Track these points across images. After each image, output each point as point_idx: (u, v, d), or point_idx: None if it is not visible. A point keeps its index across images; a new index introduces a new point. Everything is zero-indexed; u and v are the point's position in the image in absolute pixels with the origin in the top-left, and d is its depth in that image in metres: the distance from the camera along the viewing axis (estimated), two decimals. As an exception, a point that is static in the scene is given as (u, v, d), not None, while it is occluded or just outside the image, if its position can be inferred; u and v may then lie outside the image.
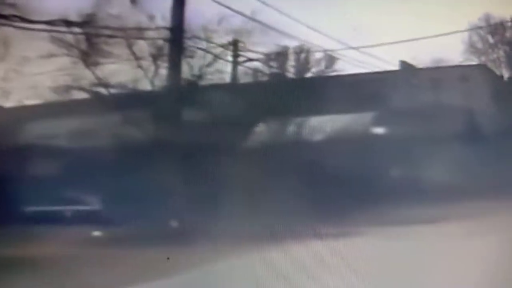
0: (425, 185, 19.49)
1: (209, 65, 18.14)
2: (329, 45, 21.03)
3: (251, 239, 13.49)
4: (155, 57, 17.82)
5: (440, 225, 14.78)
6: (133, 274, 10.73)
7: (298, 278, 9.70)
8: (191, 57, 17.74)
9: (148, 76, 17.83)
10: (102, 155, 17.38)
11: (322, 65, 30.40)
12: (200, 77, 18.06)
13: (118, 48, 17.50)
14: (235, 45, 19.86)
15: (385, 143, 21.69)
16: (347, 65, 29.13)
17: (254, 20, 18.40)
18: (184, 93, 17.94)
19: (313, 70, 30.68)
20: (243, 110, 19.43)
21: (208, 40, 17.85)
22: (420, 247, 11.56)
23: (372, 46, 21.31)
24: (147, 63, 17.80)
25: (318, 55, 26.39)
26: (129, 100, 17.97)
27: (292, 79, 25.47)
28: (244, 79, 20.44)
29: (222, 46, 18.86)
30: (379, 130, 23.44)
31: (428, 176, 20.20)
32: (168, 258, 11.56)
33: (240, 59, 20.18)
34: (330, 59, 30.19)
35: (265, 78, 22.07)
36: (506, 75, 30.35)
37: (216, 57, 18.32)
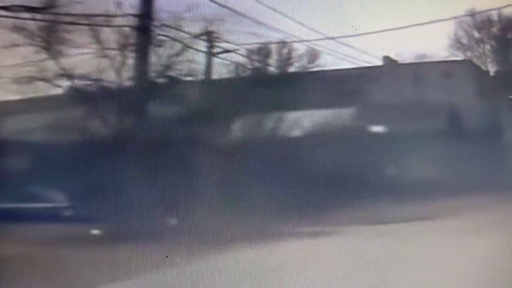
0: (407, 182, 18.89)
1: (180, 55, 17.08)
2: (311, 36, 19.88)
3: (224, 238, 13.42)
4: (122, 47, 16.81)
5: (422, 223, 14.29)
6: (97, 274, 10.71)
7: (274, 278, 9.97)
8: (161, 46, 16.74)
9: (115, 67, 16.81)
10: (66, 149, 16.54)
11: (303, 58, 29.76)
12: (170, 68, 17.02)
13: (83, 36, 16.54)
14: (209, 35, 18.87)
15: (367, 139, 20.90)
16: (329, 59, 28.61)
17: (229, 8, 17.40)
18: (153, 84, 16.98)
19: (293, 63, 30.04)
20: (217, 103, 18.53)
21: (179, 29, 16.81)
22: (399, 246, 11.07)
23: (352, 36, 20.29)
24: (114, 52, 16.79)
25: (298, 47, 25.69)
26: (95, 92, 17.02)
27: (271, 72, 24.70)
28: (218, 71, 19.42)
29: (195, 35, 17.82)
30: (360, 126, 22.68)
31: (411, 172, 19.61)
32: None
33: (215, 50, 19.16)
34: (312, 52, 29.53)
35: (241, 70, 21.09)
36: (492, 70, 29.81)
37: (188, 47, 17.26)
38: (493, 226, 13.40)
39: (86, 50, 16.68)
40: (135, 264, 11.62)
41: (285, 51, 30.83)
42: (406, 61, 27.77)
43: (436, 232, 12.98)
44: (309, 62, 31.30)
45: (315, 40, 19.82)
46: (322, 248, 11.62)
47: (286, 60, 30.78)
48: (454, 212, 15.35)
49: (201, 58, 18.48)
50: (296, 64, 31.45)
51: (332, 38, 19.45)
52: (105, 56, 16.89)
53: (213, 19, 17.42)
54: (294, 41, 19.90)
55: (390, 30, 19.81)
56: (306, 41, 19.90)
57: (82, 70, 16.81)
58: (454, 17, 30.13)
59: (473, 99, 24.18)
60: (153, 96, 16.92)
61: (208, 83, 18.83)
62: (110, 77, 16.90)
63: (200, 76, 18.45)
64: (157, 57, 16.83)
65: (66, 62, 16.78)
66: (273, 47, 23.37)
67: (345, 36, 20.87)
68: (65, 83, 17.04)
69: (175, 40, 16.75)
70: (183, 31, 16.95)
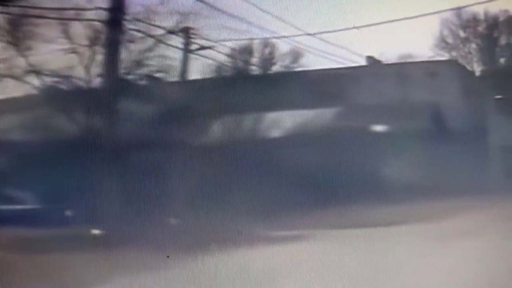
0: (390, 184, 18.37)
1: (153, 51, 16.35)
2: (291, 32, 19.24)
3: (193, 242, 12.96)
4: (92, 42, 16.12)
5: (403, 226, 13.77)
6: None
7: (246, 284, 9.51)
8: (133, 42, 16.04)
9: (85, 63, 16.10)
10: (34, 149, 15.86)
11: (285, 57, 29.22)
12: (143, 64, 16.30)
13: (52, 30, 15.84)
14: (185, 30, 18.19)
15: (349, 140, 20.32)
16: (312, 59, 28.11)
17: (204, 2, 16.71)
18: (125, 82, 16.30)
19: (275, 61, 29.50)
20: (193, 102, 17.90)
21: (152, 24, 16.10)
22: (374, 250, 10.55)
23: (334, 31, 19.66)
24: (84, 48, 16.10)
25: (280, 44, 25.15)
26: (64, 89, 16.33)
27: (250, 70, 24.13)
28: (195, 68, 18.70)
29: (170, 31, 17.10)
30: (343, 127, 22.13)
31: (394, 174, 19.07)
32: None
33: (192, 46, 18.46)
34: (295, 51, 29.01)
35: (219, 68, 20.44)
36: (477, 70, 29.40)
37: (162, 42, 16.54)
38: (476, 229, 12.94)
39: (55, 46, 15.99)
40: (108, 265, 11.11)
41: (266, 48, 30.23)
42: (390, 61, 27.39)
43: (418, 236, 12.47)
44: (291, 61, 30.68)
45: (294, 36, 19.14)
46: (301, 252, 11.12)
47: (268, 58, 30.19)
48: (437, 215, 14.89)
49: (176, 55, 17.78)
50: (278, 63, 30.82)
51: (312, 34, 18.78)
52: (75, 52, 16.21)
53: (188, 13, 16.70)
54: (274, 37, 19.14)
55: (372, 25, 19.12)
56: (285, 37, 19.24)
57: (51, 66, 16.11)
58: (440, 15, 29.86)
59: (458, 99, 23.71)
60: (124, 94, 16.25)
61: (184, 81, 18.15)
62: (80, 74, 16.22)
63: (175, 74, 17.74)
64: (129, 53, 16.12)
65: (34, 58, 16.09)
66: (254, 45, 22.80)
67: (324, 32, 20.24)
68: (34, 80, 16.33)
69: (148, 35, 16.06)
70: (157, 26, 16.23)
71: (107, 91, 15.61)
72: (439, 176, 19.14)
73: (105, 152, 14.93)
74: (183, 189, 16.07)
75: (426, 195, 17.89)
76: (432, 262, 9.92)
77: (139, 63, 16.48)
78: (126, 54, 16.12)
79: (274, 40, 24.50)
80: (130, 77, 16.42)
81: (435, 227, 13.45)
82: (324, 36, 20.41)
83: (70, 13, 15.86)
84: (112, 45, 15.75)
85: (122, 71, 16.02)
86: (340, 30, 19.00)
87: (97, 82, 16.02)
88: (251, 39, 18.82)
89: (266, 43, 29.92)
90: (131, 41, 15.99)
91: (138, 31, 16.02)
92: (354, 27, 20.69)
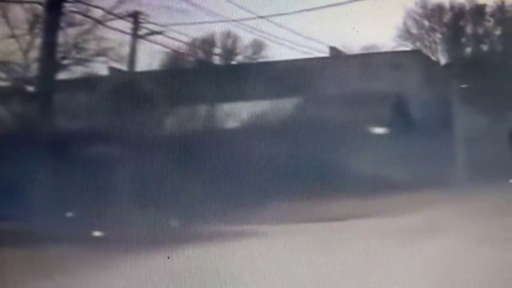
0: (349, 178, 17.62)
1: (94, 34, 15.19)
2: (242, 16, 18.25)
3: (143, 240, 12.33)
4: (32, 25, 15.00)
5: (362, 221, 13.07)
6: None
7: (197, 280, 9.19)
8: (74, 25, 14.92)
9: (23, 48, 14.96)
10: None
11: (240, 42, 28.50)
12: (83, 49, 15.17)
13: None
14: (134, 16, 17.13)
15: (310, 132, 19.51)
16: (271, 47, 27.43)
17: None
18: (67, 68, 15.22)
19: (231, 47, 28.74)
20: (139, 92, 16.88)
21: (95, 6, 14.96)
22: (335, 245, 9.90)
23: (284, 14, 18.69)
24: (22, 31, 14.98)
25: (234, 30, 24.37)
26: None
27: (205, 58, 23.32)
28: (144, 54, 17.59)
29: (117, 15, 15.99)
30: (304, 118, 21.36)
31: (353, 167, 18.32)
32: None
33: (141, 32, 17.37)
34: (254, 39, 28.29)
35: (170, 54, 19.42)
36: (442, 61, 28.84)
37: (105, 26, 15.40)
38: (439, 225, 12.30)
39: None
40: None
41: (227, 38, 29.49)
42: (354, 52, 26.75)
43: (379, 231, 11.77)
44: (252, 52, 29.96)
45: (246, 19, 18.13)
46: (246, 251, 10.40)
47: (226, 45, 29.36)
48: (400, 209, 14.23)
49: (124, 40, 16.67)
50: (237, 51, 30.07)
51: (264, 17, 17.81)
52: (14, 36, 15.08)
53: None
54: (224, 21, 18.10)
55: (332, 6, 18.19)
56: (235, 21, 18.23)
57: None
58: (405, 8, 29.27)
59: (422, 90, 23.11)
60: (65, 81, 15.17)
61: (132, 68, 17.06)
62: (18, 59, 15.08)
63: (122, 60, 16.63)
64: (71, 37, 15.00)
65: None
66: (208, 30, 21.84)
67: (278, 14, 19.23)
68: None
69: (91, 18, 14.94)
70: (100, 8, 15.10)
71: (45, 77, 14.46)
72: (403, 169, 18.57)
73: (44, 144, 13.85)
74: (129, 183, 15.17)
75: (390, 188, 17.29)
76: (395, 259, 9.21)
77: (82, 49, 15.35)
78: (68, 38, 14.99)
79: (231, 27, 23.72)
80: (72, 63, 15.27)
81: (398, 221, 12.75)
82: (285, 24, 19.46)
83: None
84: (53, 29, 14.60)
85: (62, 56, 14.87)
86: (294, 12, 17.97)
87: (35, 68, 14.87)
88: (201, 22, 17.63)
89: (227, 33, 29.18)
90: (73, 25, 14.89)
91: (80, 13, 14.90)
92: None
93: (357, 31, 20.87)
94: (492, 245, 9.19)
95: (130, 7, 16.08)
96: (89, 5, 14.64)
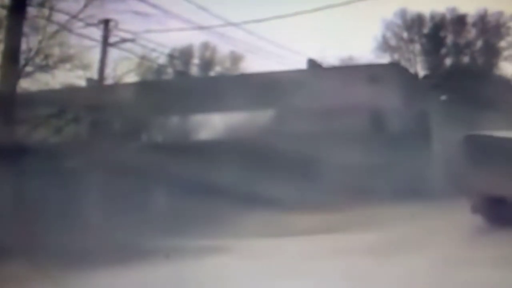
0: (320, 191, 17.16)
1: (59, 40, 14.45)
2: (213, 23, 17.72)
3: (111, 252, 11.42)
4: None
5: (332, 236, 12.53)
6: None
7: None
8: (37, 29, 14.23)
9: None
10: None
11: (217, 53, 28.23)
12: (48, 55, 14.43)
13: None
14: (105, 23, 16.51)
15: (284, 143, 19.06)
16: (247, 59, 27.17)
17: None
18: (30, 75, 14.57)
19: (212, 61, 28.44)
20: (112, 100, 16.31)
21: (56, 10, 14.21)
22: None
23: (256, 21, 18.13)
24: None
25: (212, 39, 24.04)
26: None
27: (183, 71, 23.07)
28: (112, 61, 16.93)
29: (87, 22, 15.28)
30: (279, 129, 20.96)
31: (329, 179, 17.87)
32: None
33: (112, 39, 16.72)
34: (232, 52, 28.01)
35: (142, 63, 18.85)
36: (420, 73, 28.46)
37: (70, 32, 14.70)
38: (415, 240, 11.81)
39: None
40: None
41: (205, 49, 29.11)
42: (331, 64, 26.43)
43: (353, 246, 11.21)
44: (230, 63, 29.59)
45: (217, 26, 17.56)
46: (202, 269, 9.89)
47: (206, 60, 28.97)
48: (374, 224, 13.72)
49: (93, 47, 16.01)
50: (215, 62, 29.70)
51: (235, 24, 17.31)
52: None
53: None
54: (194, 28, 17.51)
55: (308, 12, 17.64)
56: (206, 28, 17.65)
57: None
58: (383, 20, 28.86)
59: (400, 102, 22.75)
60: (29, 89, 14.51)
61: (101, 77, 16.41)
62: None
63: (88, 68, 15.95)
64: (33, 42, 14.28)
65: None
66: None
67: (249, 22, 18.61)
68: None
69: (56, 23, 14.26)
70: (65, 13, 14.41)
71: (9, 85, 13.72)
72: (380, 182, 18.21)
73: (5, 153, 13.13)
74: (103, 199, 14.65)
75: (367, 202, 16.88)
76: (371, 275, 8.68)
77: (47, 55, 14.64)
78: (30, 43, 14.28)
79: (210, 38, 23.30)
80: (36, 70, 14.56)
81: (373, 236, 12.20)
82: (262, 34, 18.95)
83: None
84: (14, 32, 13.84)
85: (24, 62, 14.15)
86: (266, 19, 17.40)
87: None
88: (171, 30, 16.98)
89: (205, 45, 28.79)
90: (35, 29, 14.20)
91: (43, 18, 14.23)
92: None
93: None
94: (471, 264, 8.69)
95: (99, 14, 15.39)
96: (55, 10, 13.96)
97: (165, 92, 20.25)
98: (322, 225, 13.81)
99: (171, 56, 22.95)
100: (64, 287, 9.05)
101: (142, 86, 20.36)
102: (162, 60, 21.70)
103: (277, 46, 20.25)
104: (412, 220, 14.14)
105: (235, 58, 29.26)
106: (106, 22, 16.71)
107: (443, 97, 25.37)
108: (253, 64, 22.72)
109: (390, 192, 17.11)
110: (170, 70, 24.08)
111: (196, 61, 29.00)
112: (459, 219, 13.47)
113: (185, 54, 26.68)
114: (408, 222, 13.80)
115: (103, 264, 10.00)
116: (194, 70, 28.94)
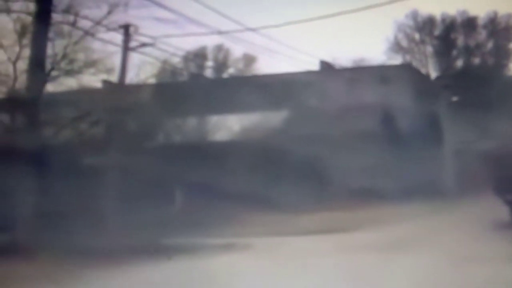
0: (332, 191, 17.57)
1: (82, 45, 14.97)
2: (230, 27, 18.15)
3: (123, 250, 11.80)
4: (20, 35, 14.84)
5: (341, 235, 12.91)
6: None
7: None
8: (63, 36, 14.76)
9: (12, 58, 14.76)
10: None
11: (233, 57, 28.53)
12: (72, 60, 14.96)
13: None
14: (125, 28, 17.00)
15: (298, 144, 19.47)
16: (262, 60, 27.46)
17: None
18: (54, 78, 15.10)
19: (226, 64, 28.79)
20: (127, 102, 16.76)
21: (81, 16, 14.71)
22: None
23: (277, 27, 18.65)
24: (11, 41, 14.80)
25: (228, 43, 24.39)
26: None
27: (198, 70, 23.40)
28: (133, 65, 17.43)
29: (108, 27, 15.79)
30: (289, 130, 21.37)
31: (342, 180, 18.25)
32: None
33: (132, 44, 17.21)
34: (246, 54, 28.35)
35: (162, 67, 19.34)
36: (432, 74, 28.80)
37: (93, 37, 15.21)
38: (425, 239, 12.13)
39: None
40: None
41: (220, 51, 29.50)
42: (344, 66, 26.75)
43: (362, 244, 11.59)
44: (244, 65, 29.95)
45: (234, 31, 18.02)
46: (228, 264, 10.26)
47: (220, 62, 29.38)
48: (385, 223, 14.08)
49: (115, 52, 16.51)
50: (230, 64, 30.11)
51: (254, 29, 17.77)
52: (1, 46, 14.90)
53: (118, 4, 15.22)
54: (212, 33, 18.00)
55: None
56: (224, 32, 18.12)
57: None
58: (396, 21, 29.17)
59: (411, 103, 23.10)
60: (52, 93, 15.03)
61: (122, 80, 16.91)
62: (6, 70, 14.89)
63: (111, 72, 16.47)
64: (59, 47, 14.80)
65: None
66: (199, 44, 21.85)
67: (266, 27, 19.03)
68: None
69: (79, 29, 14.78)
70: (89, 19, 14.93)
71: (34, 88, 14.26)
72: (392, 182, 18.45)
73: (31, 155, 13.65)
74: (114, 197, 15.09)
75: (378, 201, 17.20)
76: (379, 272, 9.03)
77: (68, 59, 15.15)
78: (55, 48, 14.81)
79: (224, 41, 23.68)
80: (61, 74, 15.11)
81: (384, 235, 12.57)
82: (275, 36, 19.43)
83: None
84: (40, 38, 14.39)
85: (51, 66, 14.69)
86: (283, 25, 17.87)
87: (24, 78, 14.67)
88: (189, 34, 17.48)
89: (219, 48, 29.20)
90: (61, 35, 14.73)
91: (68, 24, 14.75)
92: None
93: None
94: (478, 262, 9.01)
95: (121, 19, 15.89)
96: (79, 16, 14.49)
97: (181, 94, 20.71)
98: (336, 224, 14.16)
99: (185, 59, 23.38)
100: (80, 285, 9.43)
101: (159, 89, 20.88)
102: (180, 63, 22.18)
103: (290, 48, 20.65)
104: (424, 219, 14.48)
105: (249, 60, 29.64)
106: (126, 28, 17.23)
107: (454, 98, 25.71)
108: (266, 66, 23.01)
109: (402, 192, 17.40)
110: (185, 73, 24.53)
111: (210, 63, 29.40)
112: (472, 218, 13.78)
113: (199, 57, 27.08)
114: (420, 221, 14.13)
115: (119, 262, 10.39)
116: (208, 72, 29.33)
